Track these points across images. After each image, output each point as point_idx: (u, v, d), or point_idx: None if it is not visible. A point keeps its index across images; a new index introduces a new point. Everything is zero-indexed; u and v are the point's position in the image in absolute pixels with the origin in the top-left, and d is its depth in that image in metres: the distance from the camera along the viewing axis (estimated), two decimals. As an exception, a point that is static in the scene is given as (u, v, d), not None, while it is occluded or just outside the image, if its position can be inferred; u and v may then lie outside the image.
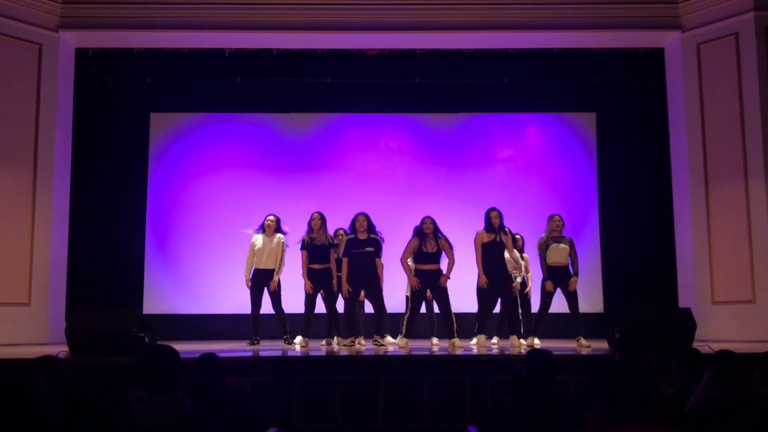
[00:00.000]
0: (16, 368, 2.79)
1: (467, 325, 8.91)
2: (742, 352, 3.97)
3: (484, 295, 8.14)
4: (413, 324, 8.19)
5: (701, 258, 9.63)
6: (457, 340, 7.92)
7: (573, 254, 8.41)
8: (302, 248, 8.59)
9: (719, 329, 9.03)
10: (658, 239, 10.82)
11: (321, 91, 11.27)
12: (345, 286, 8.13)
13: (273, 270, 8.57)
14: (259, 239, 8.72)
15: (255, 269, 8.63)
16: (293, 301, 8.89)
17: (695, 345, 6.19)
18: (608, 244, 11.18)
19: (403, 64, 10.78)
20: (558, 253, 8.39)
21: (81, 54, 10.32)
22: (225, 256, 10.85)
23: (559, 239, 8.45)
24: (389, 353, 7.31)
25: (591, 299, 10.75)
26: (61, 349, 6.67)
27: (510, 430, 3.58)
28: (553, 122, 11.67)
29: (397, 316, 8.79)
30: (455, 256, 8.20)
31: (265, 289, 8.60)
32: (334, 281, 8.48)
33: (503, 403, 3.81)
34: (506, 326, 8.39)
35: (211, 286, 10.89)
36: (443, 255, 8.18)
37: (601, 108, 11.51)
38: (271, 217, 8.80)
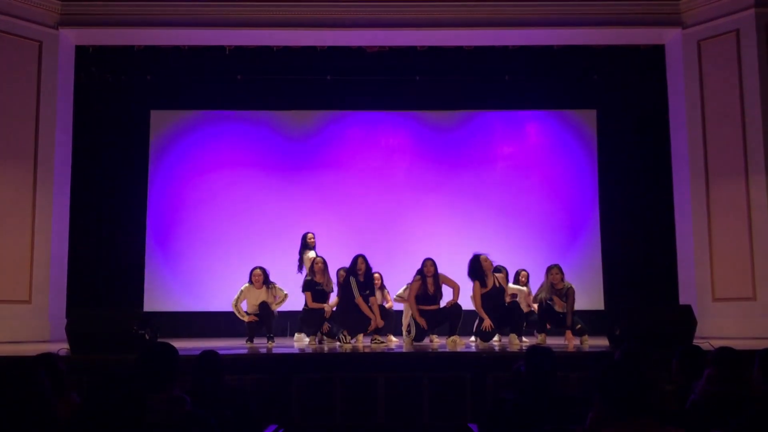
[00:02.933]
0: (17, 366, 2.78)
1: (466, 324, 8.93)
2: (742, 349, 3.97)
3: (481, 331, 8.19)
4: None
5: (702, 255, 9.62)
6: (457, 337, 7.95)
7: (570, 304, 8.19)
8: (305, 290, 8.67)
9: (720, 326, 9.03)
10: (659, 236, 10.81)
11: (321, 89, 11.25)
12: (376, 322, 8.22)
13: (264, 315, 8.61)
14: (249, 292, 8.67)
15: (247, 312, 8.69)
16: (291, 300, 8.98)
17: (696, 342, 6.19)
18: (609, 241, 11.17)
19: (403, 61, 10.77)
20: (558, 304, 8.28)
21: (81, 51, 10.32)
22: (225, 253, 10.87)
23: (559, 292, 8.25)
24: (389, 350, 7.32)
25: (591, 297, 10.74)
26: (61, 347, 6.67)
27: (510, 426, 3.58)
28: (553, 119, 11.65)
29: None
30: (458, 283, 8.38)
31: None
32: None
33: (503, 399, 3.80)
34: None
35: (211, 283, 10.88)
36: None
37: (601, 105, 11.49)
38: (258, 271, 8.69)
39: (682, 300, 9.84)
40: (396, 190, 11.26)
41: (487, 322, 8.06)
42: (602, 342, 7.86)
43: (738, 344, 4.62)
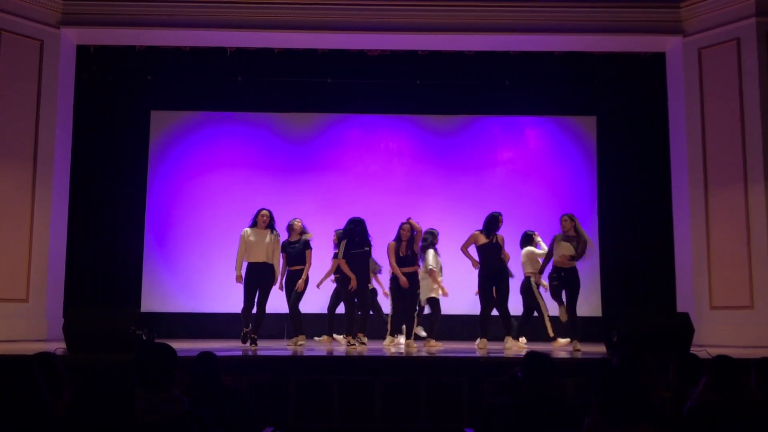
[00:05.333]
0: (14, 364, 2.78)
1: (466, 327, 8.95)
2: (739, 358, 3.97)
3: (484, 293, 8.24)
4: (398, 323, 8.39)
5: (700, 263, 9.63)
6: (411, 342, 8.16)
7: (581, 248, 8.39)
8: (281, 251, 8.67)
9: (717, 334, 9.04)
10: (657, 243, 10.82)
11: (322, 91, 11.27)
12: (354, 282, 8.23)
13: (270, 264, 8.33)
14: (251, 234, 8.42)
15: (249, 264, 8.33)
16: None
17: (693, 350, 6.19)
18: (607, 248, 11.17)
19: (404, 65, 10.78)
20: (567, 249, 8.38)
21: (82, 51, 10.32)
22: (224, 255, 10.84)
23: (569, 238, 8.42)
24: (386, 354, 7.31)
25: (589, 303, 10.74)
26: (58, 346, 6.66)
27: (506, 431, 3.58)
28: (553, 125, 11.67)
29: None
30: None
31: (258, 285, 8.35)
32: (301, 281, 8.56)
33: (499, 404, 3.80)
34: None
35: (209, 285, 10.88)
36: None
37: (601, 111, 11.51)
38: (265, 212, 8.51)
39: (680, 308, 9.84)
40: (396, 194, 11.26)
41: (474, 263, 8.34)
42: (599, 348, 7.86)
43: (735, 353, 4.62)
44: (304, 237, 8.73)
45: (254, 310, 8.32)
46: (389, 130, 11.64)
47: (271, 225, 8.49)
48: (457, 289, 9.28)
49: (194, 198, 11.30)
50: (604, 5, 9.87)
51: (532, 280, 8.94)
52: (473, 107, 11.58)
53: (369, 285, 8.55)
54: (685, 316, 7.34)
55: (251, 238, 8.37)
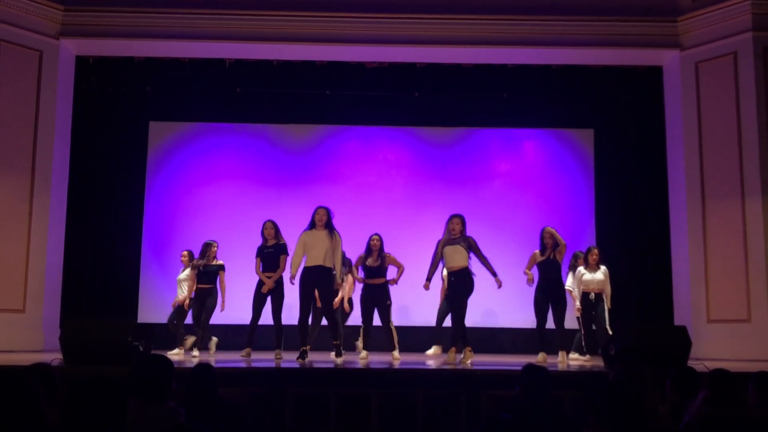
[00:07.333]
0: (10, 375, 2.77)
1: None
2: (737, 371, 3.97)
3: (539, 307, 8.39)
4: (368, 336, 8.40)
5: (697, 276, 9.63)
6: (396, 353, 8.25)
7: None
8: (256, 256, 8.60)
9: (714, 348, 9.02)
10: (654, 256, 10.82)
11: (320, 103, 11.30)
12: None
13: (329, 268, 7.86)
14: (307, 235, 7.96)
15: (306, 267, 7.87)
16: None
17: (690, 363, 6.19)
18: (604, 261, 11.13)
19: (402, 77, 10.81)
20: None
21: (81, 61, 10.34)
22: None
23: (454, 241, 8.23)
24: (384, 367, 7.30)
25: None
26: (55, 357, 6.65)
27: (504, 445, 3.57)
28: (550, 138, 11.70)
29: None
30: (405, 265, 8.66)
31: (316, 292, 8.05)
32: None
33: (498, 418, 3.79)
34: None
35: (206, 296, 10.83)
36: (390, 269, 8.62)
37: (599, 124, 11.54)
38: (321, 210, 7.98)
39: (677, 321, 9.84)
40: (393, 206, 11.28)
41: (530, 276, 8.50)
42: (596, 362, 7.85)
43: (732, 366, 4.62)
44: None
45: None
46: (387, 142, 11.66)
47: (329, 224, 7.97)
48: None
49: (192, 208, 11.30)
50: (601, 19, 9.92)
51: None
52: (471, 119, 11.61)
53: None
54: (683, 330, 7.34)
55: (308, 242, 7.91)
